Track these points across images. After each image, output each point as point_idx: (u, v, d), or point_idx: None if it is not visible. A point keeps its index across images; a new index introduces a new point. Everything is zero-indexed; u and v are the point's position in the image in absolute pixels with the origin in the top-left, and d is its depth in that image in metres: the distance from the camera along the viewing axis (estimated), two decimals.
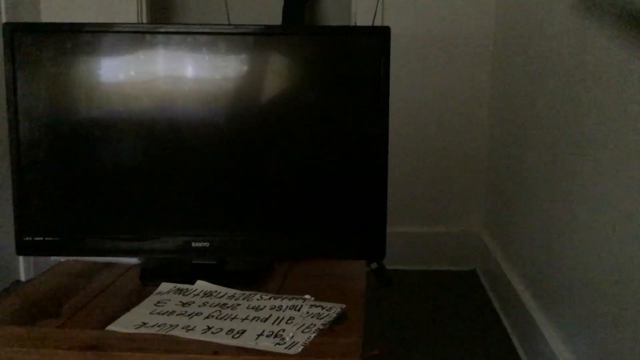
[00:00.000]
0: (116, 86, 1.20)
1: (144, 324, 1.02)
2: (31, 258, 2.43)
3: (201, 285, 1.18)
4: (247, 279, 1.21)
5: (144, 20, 2.53)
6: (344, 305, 1.09)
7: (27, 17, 2.41)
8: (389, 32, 1.20)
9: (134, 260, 1.32)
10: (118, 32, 1.18)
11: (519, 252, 2.04)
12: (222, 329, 1.00)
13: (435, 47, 2.55)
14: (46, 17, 2.52)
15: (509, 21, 2.31)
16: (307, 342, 0.96)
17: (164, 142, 1.20)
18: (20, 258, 2.41)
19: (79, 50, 1.18)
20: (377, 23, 2.47)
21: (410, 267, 2.60)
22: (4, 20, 2.28)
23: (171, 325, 1.01)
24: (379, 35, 1.20)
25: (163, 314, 1.06)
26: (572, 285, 1.51)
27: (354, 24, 2.51)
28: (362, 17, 2.52)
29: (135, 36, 1.19)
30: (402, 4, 2.52)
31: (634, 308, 1.19)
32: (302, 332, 0.99)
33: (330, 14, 3.29)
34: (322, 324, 1.02)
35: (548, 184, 1.74)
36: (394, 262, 2.32)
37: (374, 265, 1.33)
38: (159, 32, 1.18)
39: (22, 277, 2.43)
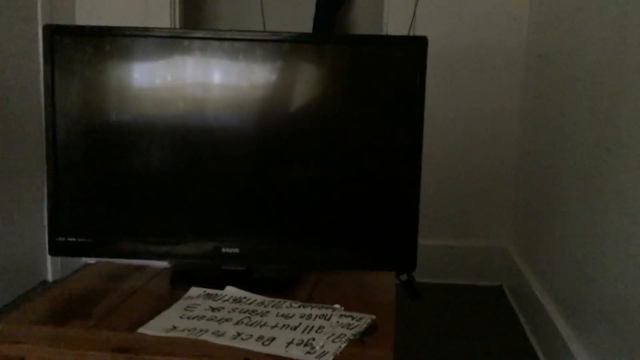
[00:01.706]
0: (152, 90, 1.20)
1: (175, 327, 1.02)
2: (59, 259, 2.45)
3: (231, 291, 1.17)
4: (275, 287, 1.20)
5: (177, 25, 2.55)
6: (374, 316, 1.08)
7: (62, 20, 2.45)
8: (426, 43, 1.19)
9: (163, 264, 1.32)
10: (156, 36, 1.19)
11: (549, 268, 2.01)
12: (252, 336, 1.00)
13: (466, 58, 2.54)
14: (81, 19, 2.55)
15: (541, 31, 2.29)
16: (337, 352, 0.95)
17: (198, 148, 1.21)
18: (48, 258, 2.43)
19: (117, 53, 1.19)
20: (407, 33, 2.46)
21: (435, 280, 2.57)
22: (40, 21, 2.32)
23: (201, 330, 1.01)
24: (416, 46, 1.19)
25: (193, 318, 1.06)
26: (606, 304, 1.48)
27: (385, 34, 2.51)
28: (393, 26, 2.52)
29: (173, 41, 1.19)
30: (433, 14, 2.51)
31: None
32: (332, 341, 0.98)
33: (361, 23, 3.28)
34: (352, 334, 1.01)
35: (581, 199, 1.71)
36: (419, 275, 2.29)
37: (403, 277, 1.32)
38: (196, 38, 1.19)
39: (50, 278, 2.45)
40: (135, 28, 1.19)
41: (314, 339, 0.99)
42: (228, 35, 1.19)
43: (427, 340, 2.04)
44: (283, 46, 1.19)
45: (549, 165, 2.08)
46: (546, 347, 1.90)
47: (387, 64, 1.20)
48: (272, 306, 1.11)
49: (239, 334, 1.00)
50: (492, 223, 2.62)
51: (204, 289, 1.18)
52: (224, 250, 1.22)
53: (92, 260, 1.35)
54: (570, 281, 1.76)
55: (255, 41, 1.19)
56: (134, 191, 1.22)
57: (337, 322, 1.05)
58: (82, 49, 1.20)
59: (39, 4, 2.32)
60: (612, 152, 1.49)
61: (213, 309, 1.09)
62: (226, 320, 1.05)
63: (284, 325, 1.03)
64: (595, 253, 1.57)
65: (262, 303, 1.13)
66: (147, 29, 1.19)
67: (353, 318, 1.07)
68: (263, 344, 0.97)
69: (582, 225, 1.68)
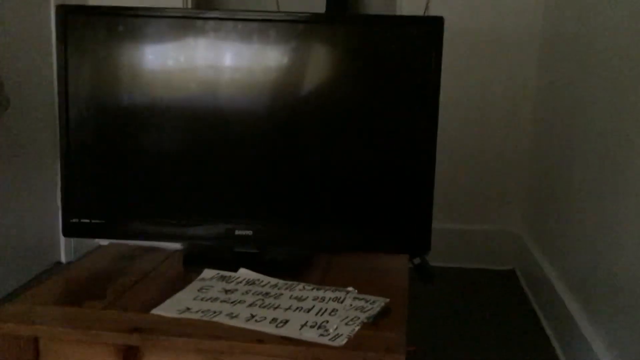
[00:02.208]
0: (165, 71, 1.20)
1: (188, 309, 1.02)
2: (72, 241, 2.46)
3: (244, 273, 1.17)
4: (288, 269, 1.20)
5: (189, 5, 2.54)
6: (387, 299, 1.08)
7: (74, 0, 2.43)
8: (442, 23, 1.17)
9: (176, 246, 1.32)
10: (170, 16, 1.18)
11: (561, 252, 1.99)
12: (265, 318, 0.99)
13: (480, 41, 2.51)
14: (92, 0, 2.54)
15: (557, 14, 2.26)
16: (351, 335, 0.95)
17: (211, 129, 1.20)
18: (62, 240, 2.44)
19: (130, 33, 1.18)
20: (422, 14, 2.43)
21: (447, 264, 2.57)
22: (52, 2, 2.31)
23: (215, 312, 1.01)
24: (432, 26, 1.18)
25: (207, 300, 1.06)
26: (619, 288, 1.47)
27: (399, 14, 2.48)
28: (407, 7, 2.49)
29: (186, 21, 1.18)
30: None
31: None
32: (346, 324, 0.98)
33: (375, 4, 3.25)
34: (366, 317, 1.00)
35: (595, 183, 1.69)
36: (432, 259, 2.29)
37: (416, 261, 1.31)
38: (210, 18, 1.18)
39: (63, 259, 2.47)
40: (149, 8, 1.18)
41: (327, 322, 0.99)
42: (242, 15, 1.18)
43: (439, 323, 2.04)
44: (297, 27, 1.18)
45: (562, 149, 2.06)
46: (558, 331, 1.89)
47: (403, 44, 1.18)
48: (286, 289, 1.11)
49: (252, 316, 1.00)
50: (504, 207, 2.60)
51: (217, 271, 1.18)
52: (237, 232, 1.22)
53: (105, 242, 1.35)
54: (583, 265, 1.75)
55: (269, 21, 1.18)
56: (147, 173, 1.22)
57: (351, 304, 1.05)
58: (95, 29, 1.19)
59: None
60: (629, 136, 1.47)
61: (226, 291, 1.09)
62: (240, 302, 1.05)
63: (297, 308, 1.03)
64: (608, 237, 1.55)
65: (276, 285, 1.13)
66: (160, 9, 1.18)
67: (366, 301, 1.07)
68: (277, 326, 0.97)
69: (595, 209, 1.66)
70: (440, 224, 2.56)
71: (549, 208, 2.20)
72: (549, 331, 1.98)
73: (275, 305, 1.04)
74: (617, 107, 1.56)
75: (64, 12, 1.19)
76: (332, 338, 0.94)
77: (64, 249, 2.46)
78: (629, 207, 1.44)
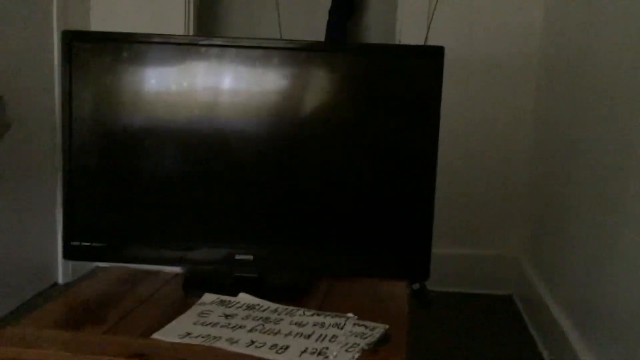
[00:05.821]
0: (168, 97, 1.21)
1: (188, 334, 1.02)
2: (69, 262, 2.46)
3: (244, 298, 1.17)
4: (288, 294, 1.20)
5: (191, 32, 2.56)
6: (387, 326, 1.08)
7: (77, 25, 2.46)
8: (443, 53, 1.19)
9: (176, 269, 1.32)
10: (174, 43, 1.20)
11: (559, 278, 2.00)
12: (265, 344, 1.00)
13: (478, 69, 2.53)
14: (95, 25, 2.57)
15: (555, 44, 2.29)
16: None
17: (213, 155, 1.21)
18: (60, 261, 2.44)
19: (134, 59, 1.20)
20: (421, 43, 2.46)
21: (446, 288, 2.56)
22: (55, 27, 2.33)
23: (215, 337, 1.01)
24: (433, 56, 1.19)
25: (207, 325, 1.06)
26: (616, 314, 1.47)
27: (398, 42, 2.51)
28: (406, 36, 2.52)
29: (190, 48, 1.20)
30: (446, 23, 2.51)
31: None
32: (346, 351, 0.98)
33: (373, 31, 3.29)
34: (366, 344, 1.01)
35: (593, 209, 1.70)
36: (430, 284, 2.29)
37: (415, 286, 1.32)
38: (213, 45, 1.19)
39: (60, 280, 2.46)
40: (153, 35, 1.20)
41: (327, 348, 0.99)
42: (245, 42, 1.19)
43: (438, 348, 2.03)
44: (300, 54, 1.19)
45: (561, 175, 2.07)
46: (556, 357, 1.89)
47: (404, 73, 1.20)
48: (286, 314, 1.11)
49: (252, 342, 1.00)
50: (503, 232, 2.61)
51: (217, 296, 1.18)
52: (237, 256, 1.22)
53: (103, 264, 1.35)
54: (581, 291, 1.75)
55: (272, 49, 1.19)
56: (149, 197, 1.23)
57: (351, 331, 1.05)
58: (99, 54, 1.20)
59: (55, 10, 2.33)
60: (627, 162, 1.48)
61: (227, 316, 1.10)
62: (240, 327, 1.05)
63: (297, 334, 1.03)
64: (606, 263, 1.56)
65: (276, 310, 1.13)
66: (164, 35, 1.20)
67: (366, 327, 1.07)
68: (277, 352, 0.97)
69: (594, 235, 1.67)
70: (439, 249, 2.55)
71: (548, 234, 2.21)
72: (546, 357, 1.98)
73: (276, 331, 1.04)
74: (615, 133, 1.58)
75: (69, 37, 1.20)
76: None
77: (62, 270, 2.46)
78: (627, 234, 1.44)
